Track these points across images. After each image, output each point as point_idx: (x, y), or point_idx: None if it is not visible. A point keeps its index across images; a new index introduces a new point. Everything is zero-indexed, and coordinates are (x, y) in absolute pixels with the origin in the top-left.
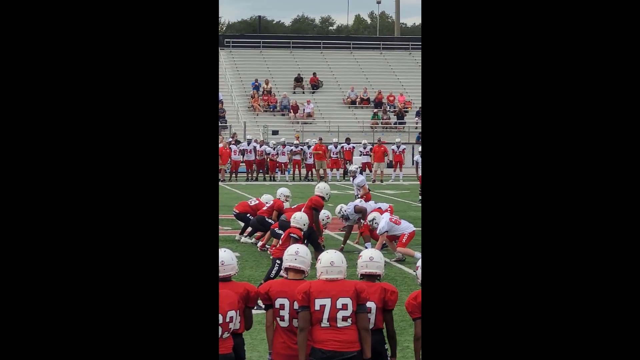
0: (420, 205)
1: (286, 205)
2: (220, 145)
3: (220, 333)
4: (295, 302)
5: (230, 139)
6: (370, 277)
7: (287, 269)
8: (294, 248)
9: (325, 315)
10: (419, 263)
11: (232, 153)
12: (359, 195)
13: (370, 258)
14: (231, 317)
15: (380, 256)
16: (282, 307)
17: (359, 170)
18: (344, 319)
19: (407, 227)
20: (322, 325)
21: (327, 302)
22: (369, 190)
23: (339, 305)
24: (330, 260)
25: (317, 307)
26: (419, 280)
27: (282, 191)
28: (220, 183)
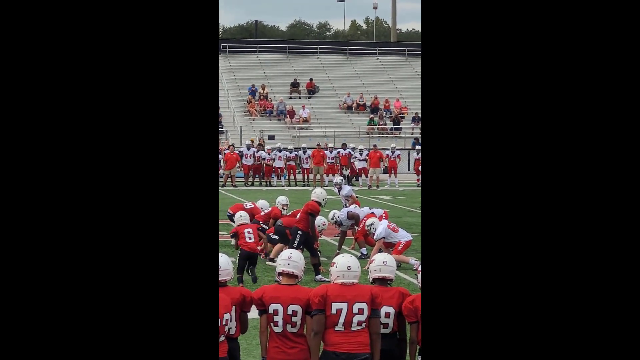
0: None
1: (283, 213)
2: (227, 150)
3: None
4: (291, 307)
5: (223, 143)
6: (383, 282)
7: (280, 274)
8: (287, 253)
9: (341, 320)
10: (420, 267)
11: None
12: (347, 205)
13: (384, 262)
14: (227, 320)
15: (393, 260)
16: (275, 312)
17: (344, 181)
18: (359, 323)
19: (404, 236)
20: (337, 329)
21: (343, 306)
22: (357, 197)
23: (355, 310)
24: (348, 264)
25: (333, 311)
26: (420, 285)
27: (280, 200)
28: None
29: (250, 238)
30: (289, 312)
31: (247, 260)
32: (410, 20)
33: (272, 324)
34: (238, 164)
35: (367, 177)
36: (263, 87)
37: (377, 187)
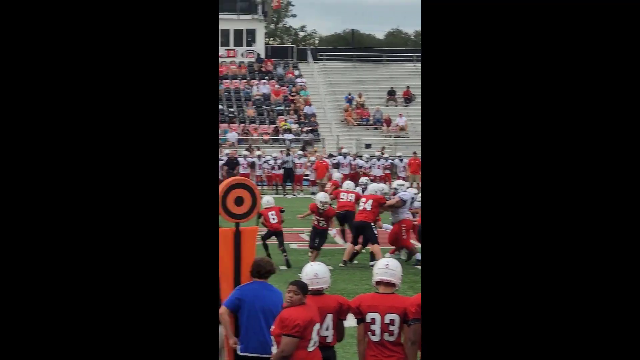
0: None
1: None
2: (315, 158)
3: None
4: (388, 315)
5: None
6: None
7: (377, 283)
8: (384, 262)
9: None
10: None
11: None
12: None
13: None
14: (317, 330)
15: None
16: (373, 321)
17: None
18: None
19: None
20: None
21: None
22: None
23: None
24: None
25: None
26: None
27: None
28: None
29: (274, 219)
30: (387, 321)
31: (272, 236)
32: None
33: (369, 333)
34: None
35: None
36: (360, 96)
37: None
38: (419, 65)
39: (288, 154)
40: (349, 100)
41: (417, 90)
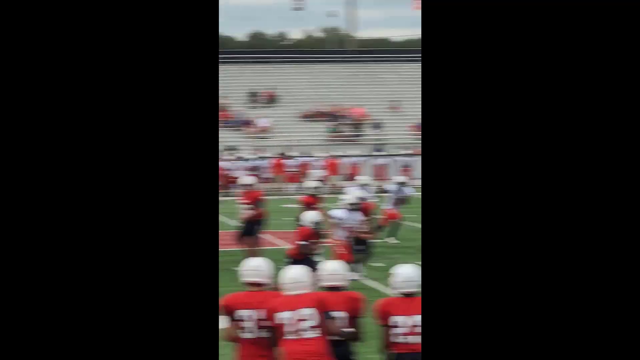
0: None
1: None
2: None
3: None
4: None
5: None
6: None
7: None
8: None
9: None
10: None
11: None
12: None
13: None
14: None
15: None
16: None
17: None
18: None
19: None
20: None
21: None
22: None
23: None
24: None
25: None
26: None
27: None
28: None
29: None
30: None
31: None
32: (368, 27)
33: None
34: None
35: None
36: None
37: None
38: (280, 65)
39: None
40: None
41: (278, 91)
